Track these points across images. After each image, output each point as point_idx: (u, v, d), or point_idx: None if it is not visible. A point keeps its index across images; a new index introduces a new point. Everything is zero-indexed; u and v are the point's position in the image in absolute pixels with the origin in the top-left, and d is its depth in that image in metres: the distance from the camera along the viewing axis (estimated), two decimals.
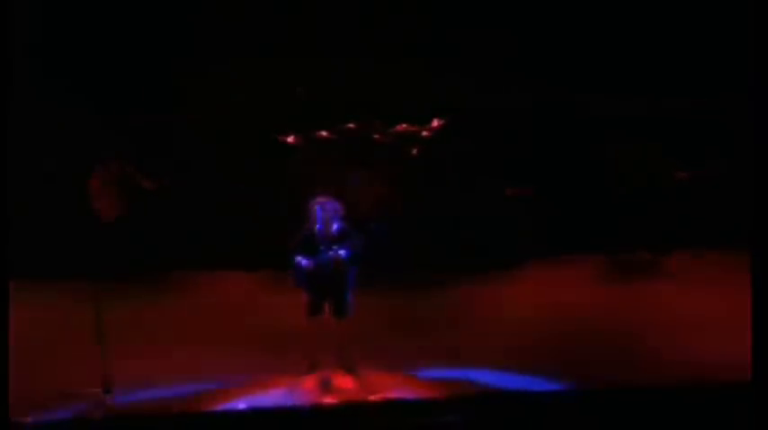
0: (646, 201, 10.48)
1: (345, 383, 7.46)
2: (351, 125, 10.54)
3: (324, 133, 10.42)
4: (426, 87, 10.48)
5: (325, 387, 7.41)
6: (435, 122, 10.51)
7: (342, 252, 7.40)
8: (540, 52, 10.66)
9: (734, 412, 5.93)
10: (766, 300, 5.61)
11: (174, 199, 10.40)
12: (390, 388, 7.29)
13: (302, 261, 7.42)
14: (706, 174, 10.25)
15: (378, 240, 9.12)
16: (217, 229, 10.51)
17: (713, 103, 10.87)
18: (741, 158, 10.32)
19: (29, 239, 9.67)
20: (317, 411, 6.85)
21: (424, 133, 10.47)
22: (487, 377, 7.49)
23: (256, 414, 6.77)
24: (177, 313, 9.18)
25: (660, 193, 10.50)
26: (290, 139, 10.38)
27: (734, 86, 10.65)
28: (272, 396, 7.17)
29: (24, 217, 9.78)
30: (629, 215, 10.46)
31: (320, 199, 7.59)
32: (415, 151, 10.40)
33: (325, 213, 7.48)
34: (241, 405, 6.91)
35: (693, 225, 10.34)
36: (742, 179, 9.91)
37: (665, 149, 10.61)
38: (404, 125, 10.48)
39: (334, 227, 7.48)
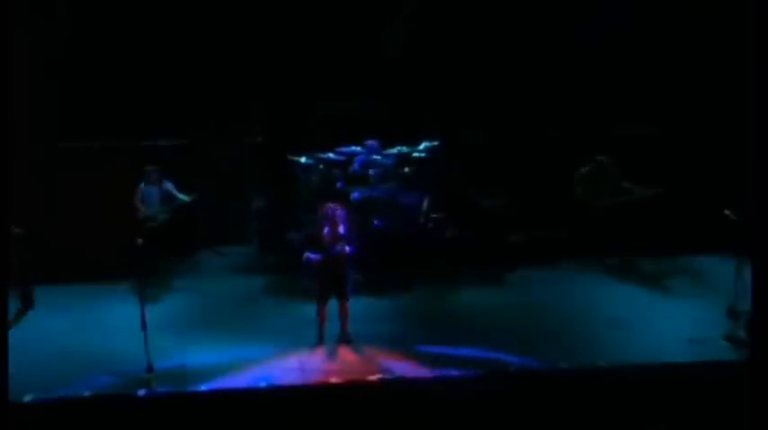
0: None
1: (346, 354, 8.62)
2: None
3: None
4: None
5: (331, 356, 8.56)
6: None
7: (347, 248, 8.70)
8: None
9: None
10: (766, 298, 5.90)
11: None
12: (386, 363, 8.34)
13: (311, 256, 8.68)
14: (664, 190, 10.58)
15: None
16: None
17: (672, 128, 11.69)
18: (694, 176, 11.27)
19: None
20: (324, 388, 7.74)
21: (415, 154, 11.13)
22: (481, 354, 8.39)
23: (273, 391, 7.62)
24: (206, 304, 10.27)
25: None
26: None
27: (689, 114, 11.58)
28: (287, 368, 8.20)
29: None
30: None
31: (330, 205, 8.93)
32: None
33: (335, 217, 8.74)
34: (262, 382, 7.76)
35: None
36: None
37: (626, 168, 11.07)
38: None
39: (341, 229, 8.73)
